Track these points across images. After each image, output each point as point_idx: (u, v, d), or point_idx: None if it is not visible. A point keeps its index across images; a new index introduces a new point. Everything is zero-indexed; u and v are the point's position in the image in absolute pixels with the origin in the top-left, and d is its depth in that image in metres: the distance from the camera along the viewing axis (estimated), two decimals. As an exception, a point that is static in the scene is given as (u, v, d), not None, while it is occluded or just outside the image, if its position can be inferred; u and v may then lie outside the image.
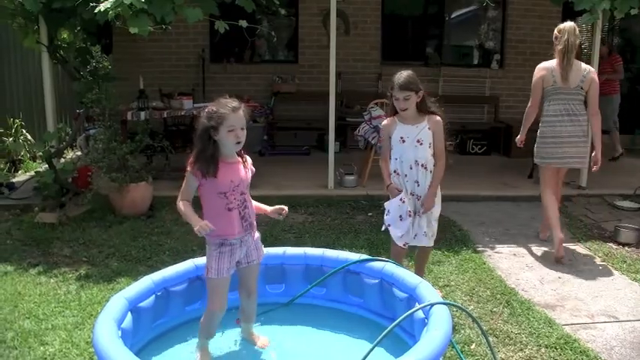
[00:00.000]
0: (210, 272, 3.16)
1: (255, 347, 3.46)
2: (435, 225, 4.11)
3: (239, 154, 3.22)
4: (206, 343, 3.30)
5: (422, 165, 3.94)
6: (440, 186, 4.02)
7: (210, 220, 3.07)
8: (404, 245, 4.04)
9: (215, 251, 3.16)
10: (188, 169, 3.11)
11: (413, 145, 3.93)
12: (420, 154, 3.94)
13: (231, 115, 3.02)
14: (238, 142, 3.09)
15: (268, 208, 3.38)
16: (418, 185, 3.98)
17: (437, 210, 4.07)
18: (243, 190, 3.19)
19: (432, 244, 4.16)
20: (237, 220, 3.17)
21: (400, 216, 3.99)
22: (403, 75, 3.88)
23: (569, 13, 10.11)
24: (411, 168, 3.96)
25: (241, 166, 3.21)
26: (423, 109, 3.94)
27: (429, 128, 3.93)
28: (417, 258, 4.32)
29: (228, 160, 3.14)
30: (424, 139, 3.92)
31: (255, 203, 3.36)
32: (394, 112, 4.01)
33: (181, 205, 3.11)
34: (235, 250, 3.18)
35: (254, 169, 3.34)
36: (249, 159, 3.31)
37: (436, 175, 3.98)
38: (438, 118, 3.96)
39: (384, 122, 4.13)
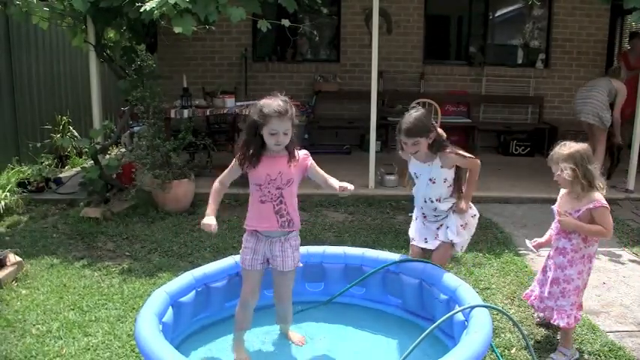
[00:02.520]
0: (240, 260, 3.32)
1: (292, 345, 3.48)
2: (463, 232, 3.81)
3: (288, 150, 3.17)
4: (241, 335, 3.34)
5: (436, 200, 3.77)
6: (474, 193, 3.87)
7: (249, 208, 3.23)
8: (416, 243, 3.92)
9: (244, 241, 3.29)
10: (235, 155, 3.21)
11: (425, 183, 3.75)
12: (433, 193, 3.75)
13: (276, 120, 3.02)
14: (278, 145, 3.09)
15: (336, 184, 3.29)
16: (436, 210, 3.79)
17: (462, 218, 3.81)
18: (280, 185, 3.15)
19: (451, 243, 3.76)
20: (271, 214, 3.18)
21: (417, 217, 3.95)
22: (411, 118, 3.58)
23: (619, 11, 9.92)
24: (425, 202, 3.82)
25: (285, 161, 3.17)
26: (435, 150, 3.67)
27: (441, 167, 3.68)
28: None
29: (272, 154, 3.15)
30: (437, 178, 3.70)
31: (326, 177, 3.32)
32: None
33: (213, 189, 3.32)
34: (260, 243, 3.22)
35: (309, 164, 3.26)
36: (301, 154, 3.24)
37: (471, 180, 3.78)
38: (450, 154, 3.66)
39: (400, 153, 3.87)
